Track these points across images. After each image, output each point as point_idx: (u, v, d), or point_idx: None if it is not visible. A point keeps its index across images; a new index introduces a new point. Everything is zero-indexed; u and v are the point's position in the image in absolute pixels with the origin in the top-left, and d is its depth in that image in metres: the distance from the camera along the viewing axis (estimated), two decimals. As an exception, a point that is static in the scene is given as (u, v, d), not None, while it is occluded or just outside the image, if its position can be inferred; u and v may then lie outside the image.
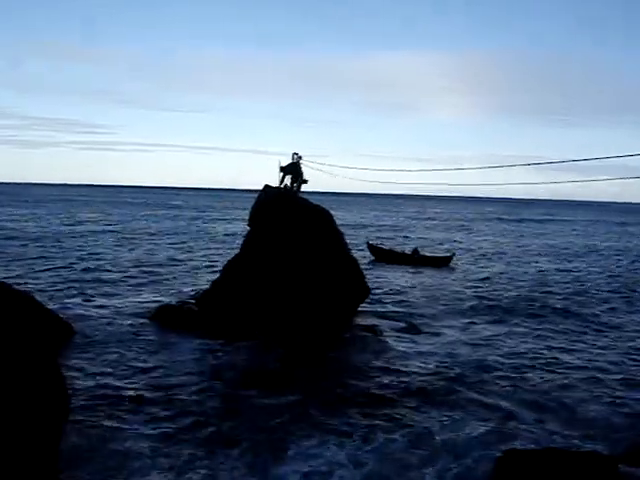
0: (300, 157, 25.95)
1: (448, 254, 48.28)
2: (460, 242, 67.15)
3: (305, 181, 25.87)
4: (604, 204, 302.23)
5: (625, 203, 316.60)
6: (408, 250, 48.21)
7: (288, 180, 25.45)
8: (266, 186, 24.61)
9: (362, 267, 25.80)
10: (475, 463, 12.86)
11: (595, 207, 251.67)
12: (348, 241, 25.97)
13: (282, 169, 25.27)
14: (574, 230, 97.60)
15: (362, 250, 46.83)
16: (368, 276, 25.06)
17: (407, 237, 70.34)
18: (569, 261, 52.46)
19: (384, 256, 46.35)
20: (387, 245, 52.02)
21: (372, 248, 48.14)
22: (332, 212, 25.61)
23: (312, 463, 12.59)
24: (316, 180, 27.18)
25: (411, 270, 41.84)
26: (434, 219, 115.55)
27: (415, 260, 45.02)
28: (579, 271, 45.78)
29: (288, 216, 22.78)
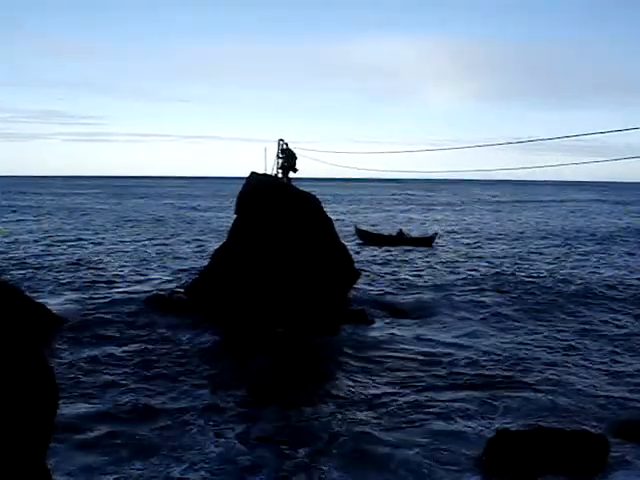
0: (286, 144, 25.67)
1: (430, 234, 49.40)
2: (445, 222, 67.39)
3: (295, 170, 25.49)
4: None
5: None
6: (394, 232, 49.79)
7: (277, 166, 25.04)
8: (252, 173, 24.38)
9: (351, 250, 25.79)
10: (467, 445, 12.87)
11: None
12: (337, 226, 25.90)
13: (281, 155, 24.85)
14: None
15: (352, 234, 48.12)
16: (357, 258, 25.17)
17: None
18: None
19: (371, 239, 48.10)
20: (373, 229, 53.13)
21: (359, 232, 49.68)
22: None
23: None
24: (313, 167, 27.00)
25: (396, 251, 42.68)
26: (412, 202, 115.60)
27: (400, 241, 46.69)
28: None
29: (275, 203, 22.60)
